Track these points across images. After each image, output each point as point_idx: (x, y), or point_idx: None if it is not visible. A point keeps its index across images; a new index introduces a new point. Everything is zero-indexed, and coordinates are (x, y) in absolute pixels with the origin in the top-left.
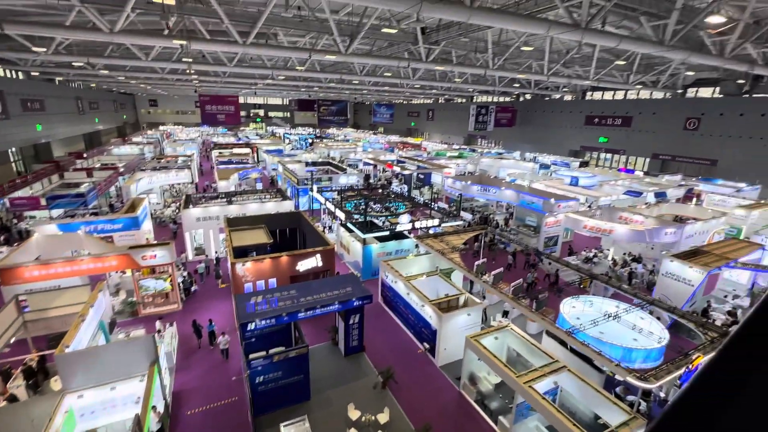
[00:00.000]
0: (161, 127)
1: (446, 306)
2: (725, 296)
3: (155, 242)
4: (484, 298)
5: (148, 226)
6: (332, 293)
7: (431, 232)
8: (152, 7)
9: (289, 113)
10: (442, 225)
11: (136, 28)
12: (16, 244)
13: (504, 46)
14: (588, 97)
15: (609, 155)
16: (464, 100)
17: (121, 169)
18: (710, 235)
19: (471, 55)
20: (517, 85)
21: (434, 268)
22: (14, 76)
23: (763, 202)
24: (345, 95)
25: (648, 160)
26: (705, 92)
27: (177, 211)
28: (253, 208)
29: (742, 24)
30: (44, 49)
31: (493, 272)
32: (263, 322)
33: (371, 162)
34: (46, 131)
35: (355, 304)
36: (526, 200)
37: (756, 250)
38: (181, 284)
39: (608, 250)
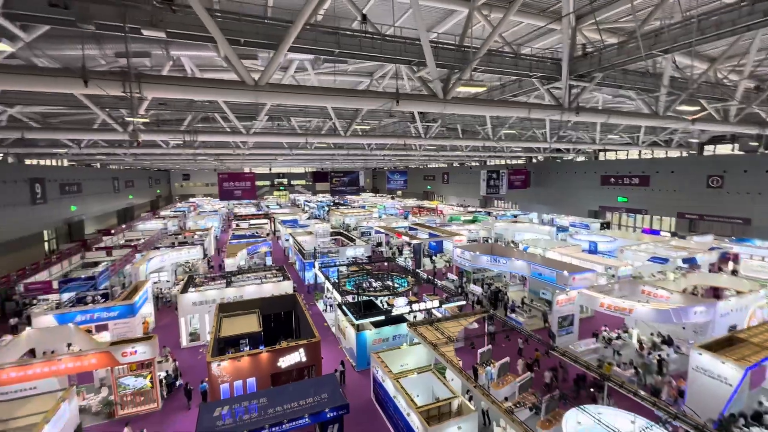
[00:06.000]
0: (191, 199)
1: (437, 413)
2: None
3: (136, 337)
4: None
5: (148, 309)
6: (304, 402)
7: (438, 313)
8: (165, 107)
9: (311, 181)
10: (445, 305)
11: (153, 127)
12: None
13: (505, 117)
14: (601, 157)
15: (632, 215)
16: (477, 164)
17: (139, 247)
18: (750, 311)
19: (475, 127)
20: (519, 150)
21: (432, 361)
22: (56, 163)
23: None
24: (359, 164)
25: (674, 219)
26: (724, 149)
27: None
28: (250, 290)
29: (742, 88)
30: (76, 146)
31: (499, 362)
32: None
33: (382, 231)
34: (80, 210)
35: (328, 416)
36: (539, 272)
37: None
38: (164, 380)
39: (633, 329)
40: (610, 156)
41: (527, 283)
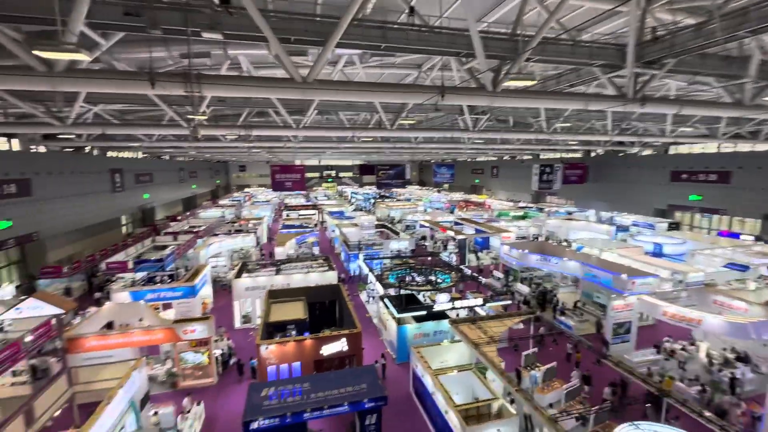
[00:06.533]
0: (246, 189)
1: (475, 413)
2: None
3: (196, 317)
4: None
5: (207, 291)
6: (344, 390)
7: (481, 311)
8: (223, 103)
9: (358, 173)
10: (489, 304)
11: (212, 123)
12: (95, 309)
13: (560, 109)
14: (672, 151)
15: (707, 215)
16: (529, 157)
17: (201, 233)
18: None
19: (527, 119)
20: (576, 143)
21: (474, 360)
22: (132, 155)
23: None
24: (406, 157)
25: (759, 222)
26: None
27: None
28: (297, 279)
29: None
30: (148, 140)
31: (545, 366)
32: (266, 422)
33: (427, 225)
34: (152, 198)
35: (366, 406)
36: (594, 274)
37: None
38: (219, 357)
39: (701, 342)
40: (683, 150)
41: (580, 285)
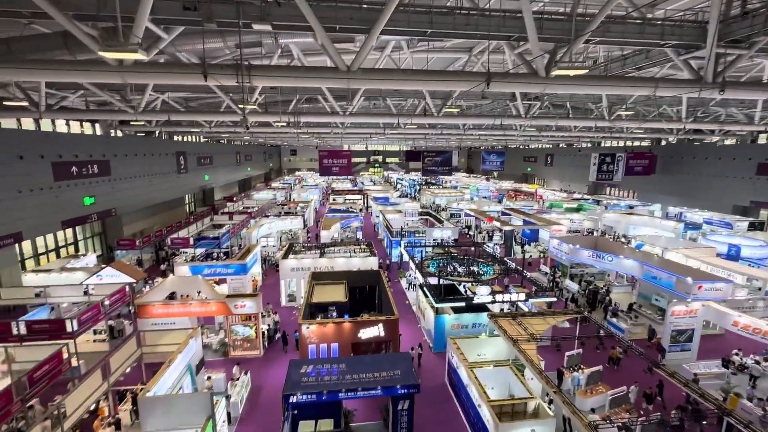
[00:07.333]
0: (296, 173)
1: (510, 411)
2: None
3: (246, 293)
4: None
5: (257, 269)
6: (378, 374)
7: (524, 307)
8: (275, 90)
9: (405, 159)
10: (533, 300)
11: (261, 109)
12: (161, 279)
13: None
14: (761, 140)
15: None
16: (588, 145)
17: (254, 214)
18: None
19: (587, 104)
20: (641, 131)
21: (512, 356)
22: (194, 139)
23: None
24: (453, 143)
25: None
26: None
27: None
28: (340, 262)
29: None
30: (208, 125)
31: (589, 369)
32: (304, 396)
33: (472, 214)
34: (212, 180)
35: (399, 392)
36: (654, 275)
37: None
38: (265, 332)
39: None
40: None
41: (637, 285)
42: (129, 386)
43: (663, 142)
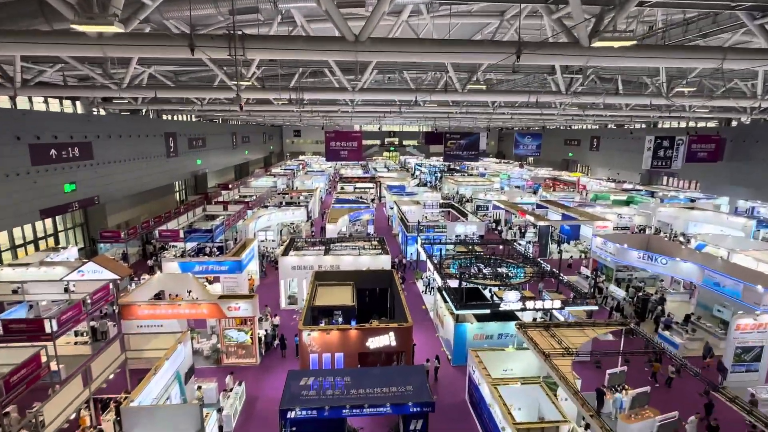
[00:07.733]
0: (300, 157)
1: None
2: None
3: (241, 294)
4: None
5: (253, 266)
6: (388, 390)
7: (560, 316)
8: (274, 62)
9: (424, 141)
10: (570, 308)
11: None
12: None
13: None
14: None
15: None
16: (642, 126)
17: (251, 204)
18: None
19: (642, 78)
20: (706, 110)
21: (543, 373)
22: (185, 118)
23: None
24: (481, 123)
25: None
26: None
27: None
28: (347, 261)
29: None
30: (200, 103)
31: (635, 390)
32: (303, 412)
33: (502, 206)
34: (204, 164)
35: (411, 410)
36: (717, 281)
37: None
38: (262, 338)
39: None
40: None
41: (695, 294)
42: (112, 394)
43: (733, 123)
